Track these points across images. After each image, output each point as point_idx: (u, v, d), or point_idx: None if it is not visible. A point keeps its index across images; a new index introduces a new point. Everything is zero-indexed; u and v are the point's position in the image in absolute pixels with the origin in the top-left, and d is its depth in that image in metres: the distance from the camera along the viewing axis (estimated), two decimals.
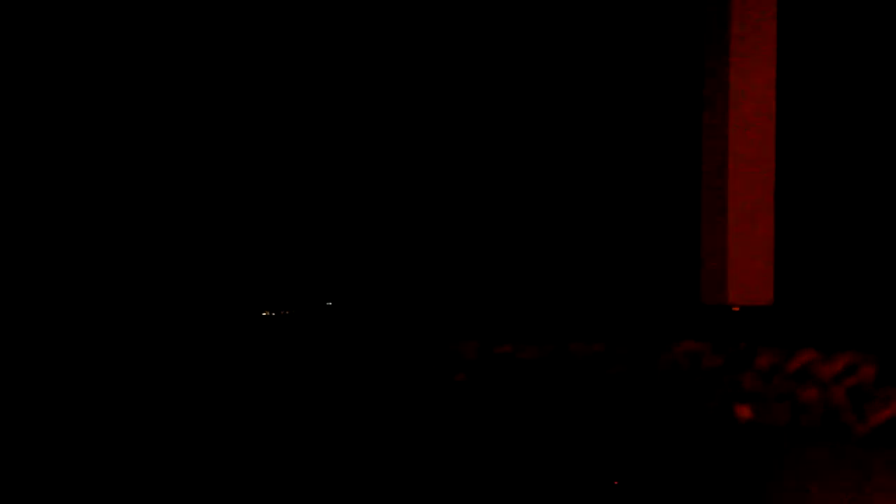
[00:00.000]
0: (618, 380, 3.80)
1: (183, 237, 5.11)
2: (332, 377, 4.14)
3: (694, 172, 4.74)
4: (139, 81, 5.10)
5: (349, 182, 5.12)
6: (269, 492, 3.23)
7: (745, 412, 3.39)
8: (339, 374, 4.16)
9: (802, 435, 3.23)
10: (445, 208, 5.05)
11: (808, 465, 3.03)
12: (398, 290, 5.03)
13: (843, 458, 3.05)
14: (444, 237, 5.02)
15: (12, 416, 3.79)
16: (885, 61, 4.79)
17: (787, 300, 4.42)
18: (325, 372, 4.21)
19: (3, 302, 4.82)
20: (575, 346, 4.09)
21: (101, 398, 4.02)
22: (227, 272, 5.10)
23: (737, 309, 4.31)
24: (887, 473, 2.93)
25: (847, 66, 4.86)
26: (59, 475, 3.32)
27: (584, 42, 5.01)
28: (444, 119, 5.09)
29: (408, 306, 4.93)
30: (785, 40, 4.79)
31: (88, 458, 3.45)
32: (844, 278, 4.34)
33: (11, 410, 3.85)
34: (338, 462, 3.37)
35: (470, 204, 5.03)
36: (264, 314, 4.88)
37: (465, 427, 3.61)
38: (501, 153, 5.07)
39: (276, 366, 4.23)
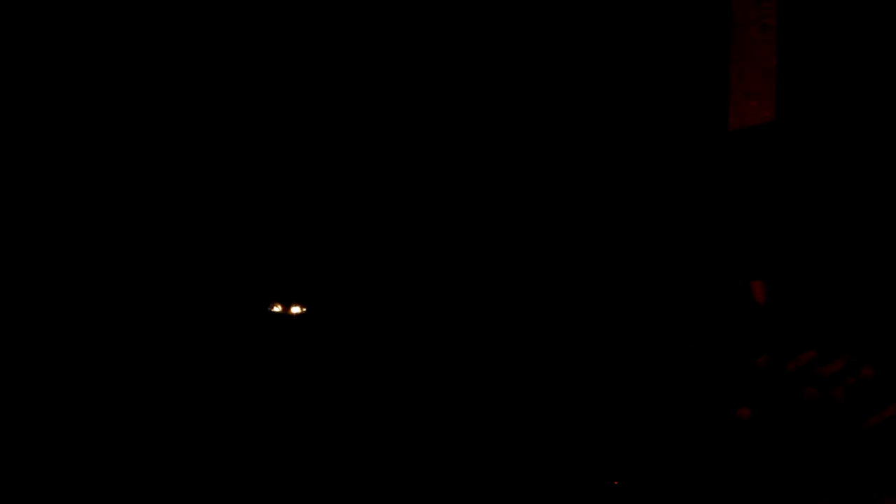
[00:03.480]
0: (618, 379, 3.80)
1: (183, 237, 5.12)
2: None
3: None
4: (139, 81, 5.10)
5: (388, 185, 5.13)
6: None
7: (745, 412, 3.39)
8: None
9: (802, 435, 3.24)
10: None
11: (808, 466, 3.04)
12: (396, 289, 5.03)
13: (843, 458, 3.05)
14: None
15: (13, 416, 3.79)
16: None
17: (786, 301, 4.42)
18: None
19: (4, 302, 4.82)
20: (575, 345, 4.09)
21: (102, 397, 4.02)
22: (249, 269, 5.11)
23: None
24: (887, 474, 2.93)
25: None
26: (60, 474, 3.32)
27: None
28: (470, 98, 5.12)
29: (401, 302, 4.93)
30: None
31: (89, 456, 3.45)
32: (845, 278, 4.34)
33: (12, 410, 3.85)
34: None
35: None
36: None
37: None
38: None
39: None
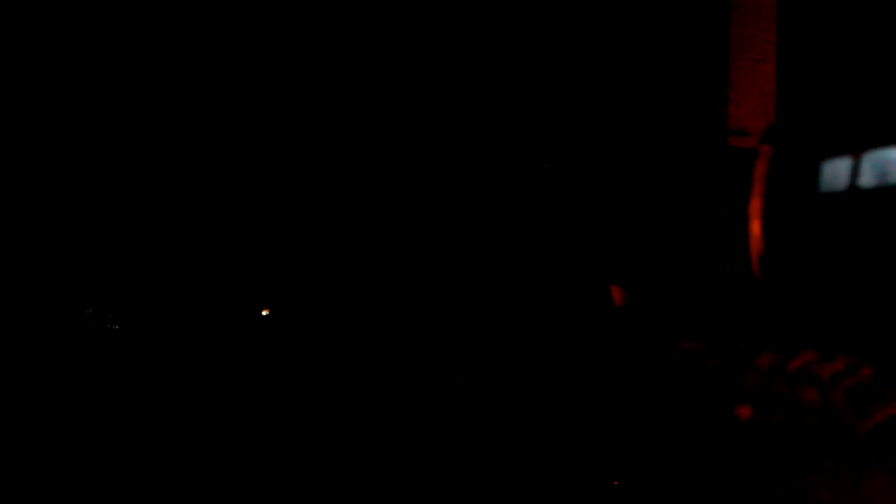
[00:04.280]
0: (618, 379, 3.80)
1: (175, 240, 5.12)
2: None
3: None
4: (138, 86, 5.11)
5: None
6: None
7: (745, 412, 3.40)
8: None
9: (802, 435, 3.24)
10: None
11: (808, 465, 3.04)
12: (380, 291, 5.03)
13: (843, 458, 3.06)
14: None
15: (12, 416, 3.80)
16: None
17: (786, 300, 4.43)
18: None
19: (3, 302, 4.83)
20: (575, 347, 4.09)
21: (100, 397, 4.03)
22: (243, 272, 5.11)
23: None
24: (887, 473, 2.94)
25: None
26: (59, 474, 3.34)
27: None
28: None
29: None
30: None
31: (88, 455, 3.47)
32: (843, 279, 4.35)
33: (11, 410, 3.86)
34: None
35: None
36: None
37: (458, 425, 3.62)
38: None
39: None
